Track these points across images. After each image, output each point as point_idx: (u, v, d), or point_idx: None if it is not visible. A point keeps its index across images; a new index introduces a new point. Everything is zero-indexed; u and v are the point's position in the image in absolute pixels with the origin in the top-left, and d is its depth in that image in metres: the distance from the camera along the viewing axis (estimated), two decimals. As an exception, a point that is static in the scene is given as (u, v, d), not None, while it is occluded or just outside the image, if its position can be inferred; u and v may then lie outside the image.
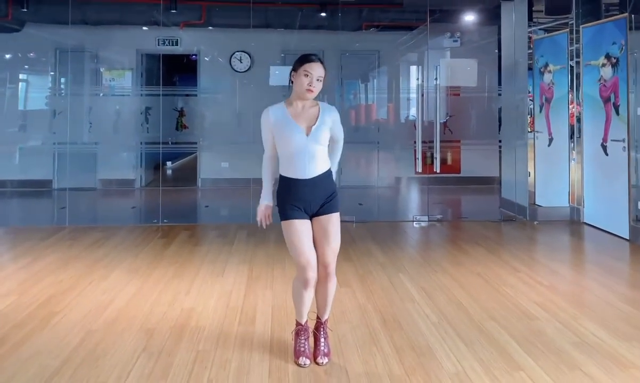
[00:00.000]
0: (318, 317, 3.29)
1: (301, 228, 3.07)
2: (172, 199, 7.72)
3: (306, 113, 3.13)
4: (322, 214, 3.11)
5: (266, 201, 3.20)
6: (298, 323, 3.27)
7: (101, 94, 9.65)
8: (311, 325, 3.33)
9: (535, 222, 7.13)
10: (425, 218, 7.28)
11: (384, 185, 9.79)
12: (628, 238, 6.13)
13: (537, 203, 7.72)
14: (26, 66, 9.91)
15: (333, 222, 3.11)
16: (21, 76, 9.93)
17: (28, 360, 3.20)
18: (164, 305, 4.08)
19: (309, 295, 3.15)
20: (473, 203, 8.89)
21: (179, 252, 5.61)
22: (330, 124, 3.15)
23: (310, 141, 3.06)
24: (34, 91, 10.03)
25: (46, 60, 9.73)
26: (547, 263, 5.35)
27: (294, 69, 3.12)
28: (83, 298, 4.24)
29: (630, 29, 6.18)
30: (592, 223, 6.88)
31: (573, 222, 7.12)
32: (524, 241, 6.26)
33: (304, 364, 3.12)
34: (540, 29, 8.93)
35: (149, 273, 4.86)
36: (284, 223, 3.10)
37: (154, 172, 10.22)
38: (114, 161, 9.61)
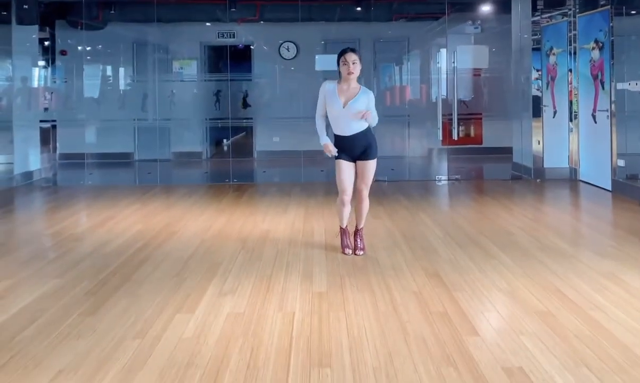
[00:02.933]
0: (356, 226, 4.90)
1: (344, 167, 4.66)
2: (236, 166, 9.39)
3: (348, 91, 4.57)
4: (363, 160, 4.66)
5: (324, 140, 4.70)
6: (340, 228, 4.93)
7: (172, 80, 11.41)
8: (351, 231, 4.92)
9: (538, 180, 8.55)
10: (446, 177, 8.79)
11: (413, 155, 11.24)
12: (610, 189, 7.51)
13: (545, 166, 9.08)
14: (109, 57, 11.72)
15: (368, 166, 4.68)
16: (104, 65, 11.77)
17: (167, 254, 4.91)
18: (248, 227, 5.79)
19: (347, 209, 4.81)
20: (489, 167, 10.28)
21: (251, 200, 7.34)
22: (365, 102, 4.55)
23: (346, 111, 4.54)
24: (114, 78, 11.91)
25: (125, 53, 11.52)
26: (536, 205, 6.85)
27: (337, 62, 4.60)
28: (190, 224, 5.98)
29: (614, 17, 7.51)
30: (586, 180, 8.24)
31: (571, 180, 8.50)
32: (524, 193, 7.72)
33: (348, 253, 4.79)
34: (558, 14, 10.16)
35: (232, 211, 6.58)
36: (336, 162, 4.71)
37: (216, 147, 11.99)
38: (184, 136, 11.40)
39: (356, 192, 4.76)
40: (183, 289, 3.98)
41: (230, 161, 9.37)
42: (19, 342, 3.18)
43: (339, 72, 4.62)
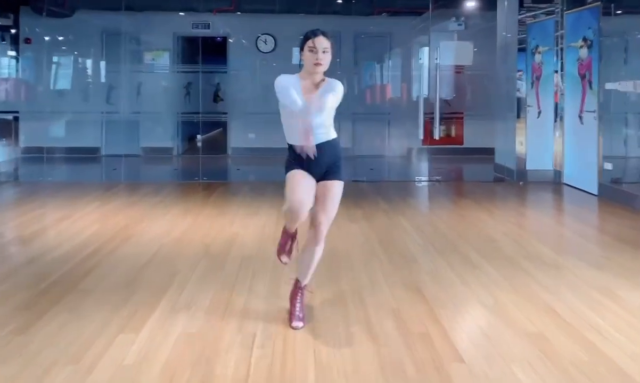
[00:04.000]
0: (297, 281, 3.33)
1: (301, 176, 3.14)
2: (208, 163, 8.94)
3: (314, 88, 3.16)
4: (326, 180, 3.18)
5: (301, 101, 3.09)
6: (286, 232, 3.45)
7: (143, 71, 10.88)
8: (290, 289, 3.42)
9: (521, 183, 8.23)
10: (426, 178, 8.44)
11: (393, 154, 10.88)
12: (597, 194, 7.21)
13: (528, 168, 8.78)
14: (76, 47, 11.12)
15: (332, 189, 3.18)
16: (71, 55, 11.18)
17: (121, 260, 4.46)
18: (215, 231, 5.35)
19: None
20: (470, 169, 9.97)
21: (220, 200, 6.88)
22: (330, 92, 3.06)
23: (308, 110, 3.04)
24: (81, 69, 11.32)
25: (94, 42, 10.95)
26: (520, 209, 6.54)
27: (301, 48, 3.18)
28: (151, 225, 5.53)
29: (603, 16, 7.22)
30: (570, 184, 7.93)
31: (554, 183, 8.19)
32: (507, 196, 7.39)
33: (285, 262, 3.49)
34: (544, 12, 9.87)
35: (199, 213, 6.13)
36: (287, 175, 3.19)
37: (188, 142, 11.49)
38: (154, 131, 10.87)
39: (310, 225, 3.25)
40: (131, 303, 3.53)
41: (200, 158, 8.88)
42: None
43: (301, 62, 3.23)
